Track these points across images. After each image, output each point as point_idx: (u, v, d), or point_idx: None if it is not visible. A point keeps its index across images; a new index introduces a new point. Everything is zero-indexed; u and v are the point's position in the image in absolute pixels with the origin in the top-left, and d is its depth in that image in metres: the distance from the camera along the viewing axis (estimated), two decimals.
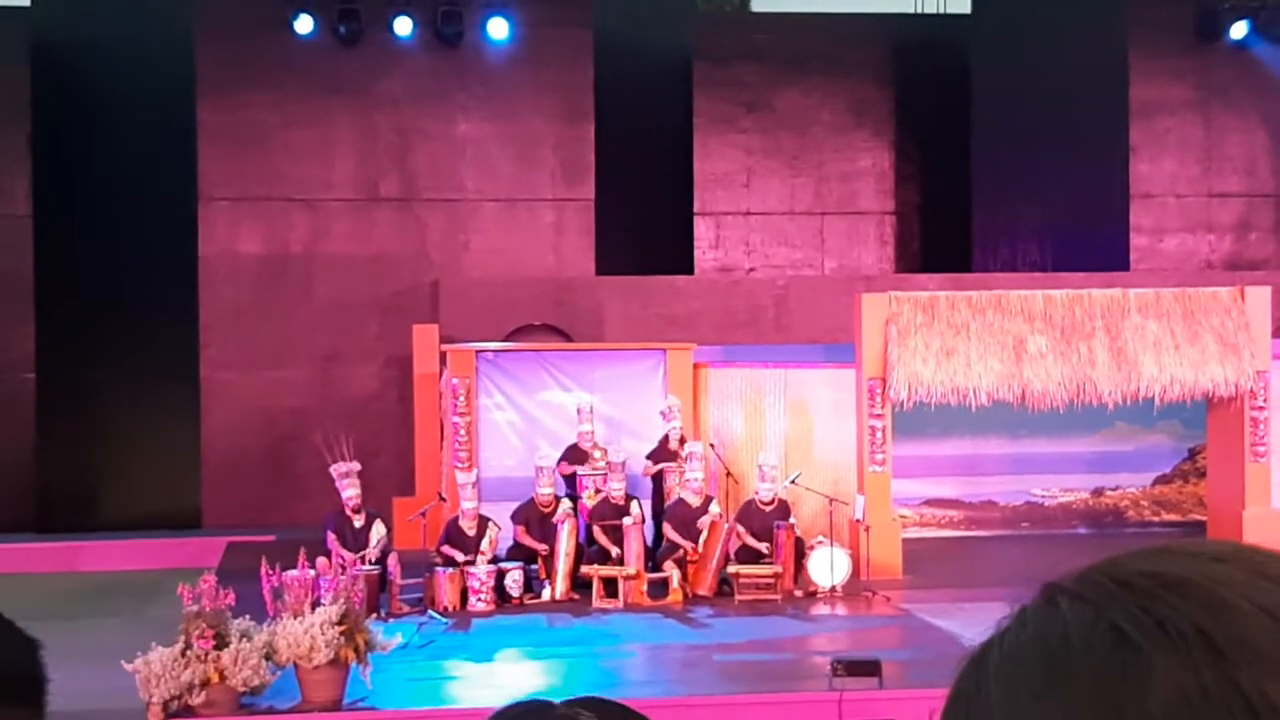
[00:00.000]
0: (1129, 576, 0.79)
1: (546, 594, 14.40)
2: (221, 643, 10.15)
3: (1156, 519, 18.29)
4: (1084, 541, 17.52)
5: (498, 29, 19.99)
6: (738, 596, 14.12)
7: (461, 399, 16.61)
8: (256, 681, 10.22)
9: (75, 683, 11.13)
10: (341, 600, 10.89)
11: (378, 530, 14.29)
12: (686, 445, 15.35)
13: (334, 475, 14.55)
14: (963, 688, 0.83)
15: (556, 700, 1.25)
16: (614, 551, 14.39)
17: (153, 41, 19.50)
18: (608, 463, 15.19)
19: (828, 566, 14.29)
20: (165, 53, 19.47)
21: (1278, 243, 21.93)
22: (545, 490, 14.93)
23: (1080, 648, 0.76)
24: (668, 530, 14.74)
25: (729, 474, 15.94)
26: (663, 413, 15.90)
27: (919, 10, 23.15)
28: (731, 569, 14.34)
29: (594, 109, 20.33)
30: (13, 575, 16.73)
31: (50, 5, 19.92)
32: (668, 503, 15.21)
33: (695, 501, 14.76)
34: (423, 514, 14.87)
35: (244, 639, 10.29)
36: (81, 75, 19.72)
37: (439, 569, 14.01)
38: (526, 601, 14.24)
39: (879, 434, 15.57)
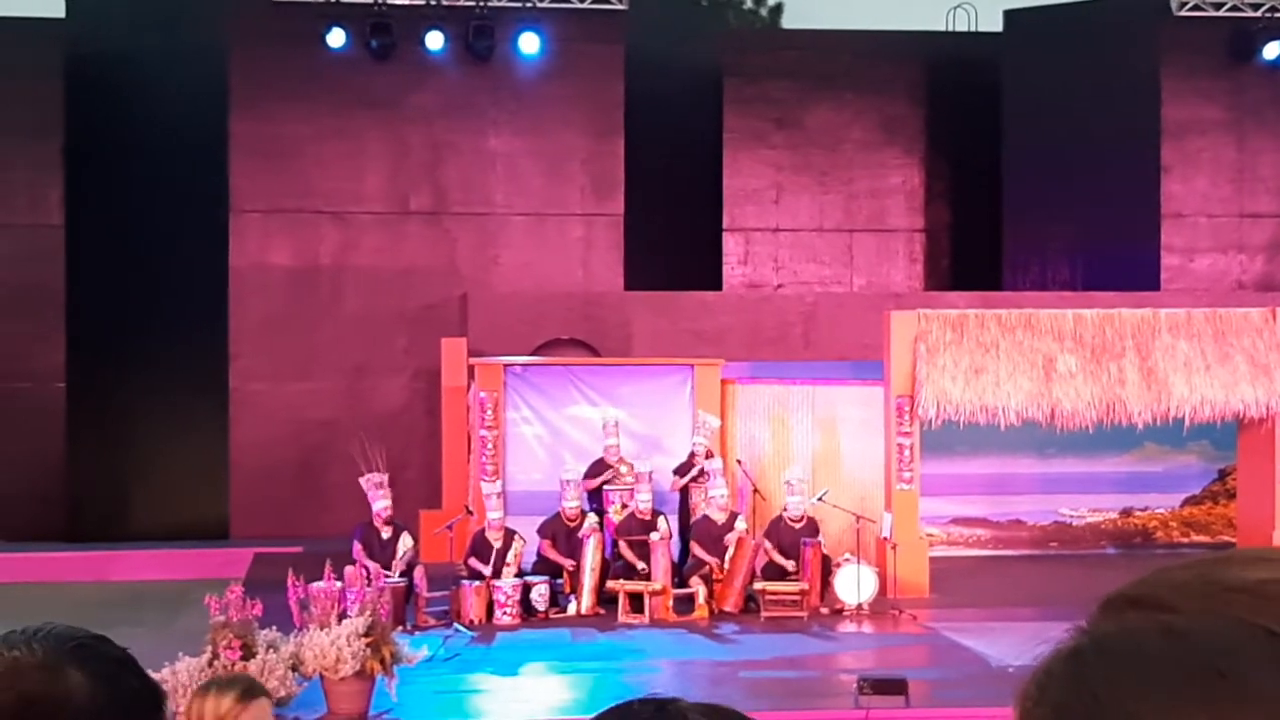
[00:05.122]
0: (1233, 584, 0.79)
1: (572, 608, 14.40)
2: (248, 653, 10.17)
3: (1185, 540, 18.18)
4: (1112, 562, 17.42)
5: (529, 44, 20.02)
6: (764, 613, 14.09)
7: (489, 412, 16.63)
8: (283, 693, 10.23)
9: None
10: (368, 612, 10.93)
11: (405, 542, 14.30)
12: (707, 462, 15.31)
13: (365, 486, 14.54)
14: (1055, 698, 0.81)
15: (671, 701, 1.24)
16: (640, 566, 14.38)
17: (185, 54, 19.63)
18: (635, 474, 15.17)
19: (854, 584, 14.25)
20: (198, 65, 19.60)
21: None
22: (571, 504, 14.92)
23: (1246, 654, 0.75)
24: (694, 547, 14.72)
25: (756, 490, 15.90)
26: (694, 427, 15.90)
27: (950, 28, 23.13)
28: (758, 585, 14.31)
29: (624, 124, 20.34)
30: (42, 584, 16.81)
31: (84, 18, 20.08)
32: (693, 519, 15.19)
33: (720, 518, 14.74)
34: (449, 527, 14.89)
35: (270, 650, 10.31)
36: (115, 87, 19.87)
37: (465, 582, 14.01)
38: (552, 616, 14.25)
39: (907, 452, 15.53)
